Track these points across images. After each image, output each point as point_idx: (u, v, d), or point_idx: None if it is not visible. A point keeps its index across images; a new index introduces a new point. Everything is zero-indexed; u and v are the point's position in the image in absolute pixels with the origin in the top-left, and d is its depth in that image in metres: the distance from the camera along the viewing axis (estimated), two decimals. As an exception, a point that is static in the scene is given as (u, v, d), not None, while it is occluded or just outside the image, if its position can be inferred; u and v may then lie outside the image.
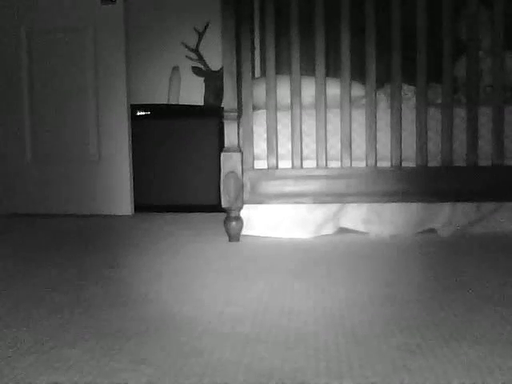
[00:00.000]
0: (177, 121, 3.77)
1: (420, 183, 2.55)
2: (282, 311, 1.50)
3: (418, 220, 2.69)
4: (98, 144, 3.66)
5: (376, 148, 2.56)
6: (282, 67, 3.52)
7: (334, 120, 2.64)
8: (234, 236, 2.59)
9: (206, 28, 4.02)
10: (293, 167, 2.58)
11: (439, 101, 2.74)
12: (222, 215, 2.68)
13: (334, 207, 2.69)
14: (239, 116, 2.59)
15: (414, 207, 2.67)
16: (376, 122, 2.56)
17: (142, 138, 3.75)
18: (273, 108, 2.58)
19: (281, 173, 2.58)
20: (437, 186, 2.55)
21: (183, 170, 3.75)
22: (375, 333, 1.31)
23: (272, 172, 2.58)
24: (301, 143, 2.57)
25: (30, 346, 1.26)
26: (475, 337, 1.27)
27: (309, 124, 2.64)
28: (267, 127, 2.58)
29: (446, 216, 2.68)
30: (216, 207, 3.19)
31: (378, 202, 2.60)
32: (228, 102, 2.57)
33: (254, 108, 2.65)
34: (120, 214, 3.63)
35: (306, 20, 2.80)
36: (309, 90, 2.68)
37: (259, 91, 2.69)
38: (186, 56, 4.07)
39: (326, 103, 2.56)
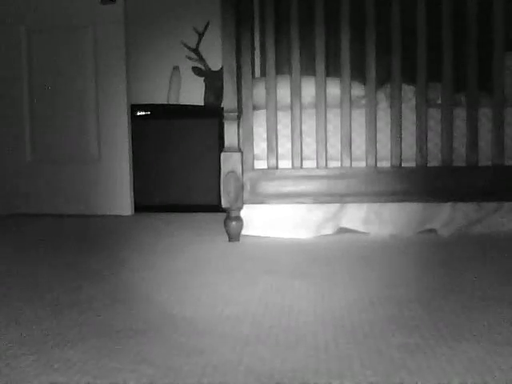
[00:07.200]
0: (177, 121, 3.77)
1: (420, 183, 2.55)
2: (281, 311, 1.50)
3: (418, 220, 2.69)
4: (98, 144, 3.66)
5: (376, 148, 2.56)
6: (282, 67, 3.52)
7: (334, 120, 2.64)
8: (233, 236, 2.59)
9: (205, 28, 4.02)
10: (293, 167, 2.58)
11: (439, 101, 2.74)
12: (222, 215, 2.68)
13: (333, 207, 2.68)
14: (239, 116, 2.59)
15: (413, 207, 2.67)
16: (376, 122, 2.56)
17: (142, 138, 3.75)
18: (273, 108, 2.58)
19: (281, 173, 2.58)
20: (437, 186, 2.55)
21: (183, 170, 3.75)
22: (375, 333, 1.31)
23: (272, 172, 2.58)
24: (301, 143, 2.57)
25: (30, 346, 1.26)
26: (475, 337, 1.27)
27: (309, 124, 2.64)
28: (267, 127, 2.58)
29: (446, 216, 2.68)
30: (216, 207, 3.19)
31: (378, 202, 2.60)
32: (228, 102, 2.57)
33: (254, 108, 2.64)
34: (120, 214, 3.63)
35: (306, 20, 2.79)
36: (309, 89, 2.69)
37: (259, 91, 2.69)
38: (186, 56, 4.07)
39: (325, 103, 2.57)
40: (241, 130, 2.60)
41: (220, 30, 2.65)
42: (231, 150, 2.57)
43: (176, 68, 4.12)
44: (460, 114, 2.61)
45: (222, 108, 2.64)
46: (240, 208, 2.59)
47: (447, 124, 2.55)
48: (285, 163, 2.62)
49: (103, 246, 2.59)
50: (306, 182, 2.56)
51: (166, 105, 3.99)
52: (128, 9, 3.66)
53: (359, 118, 2.64)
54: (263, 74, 3.84)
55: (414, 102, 2.72)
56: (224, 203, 2.57)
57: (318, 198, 2.57)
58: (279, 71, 3.01)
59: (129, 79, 3.67)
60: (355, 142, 2.63)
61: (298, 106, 2.56)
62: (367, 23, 2.53)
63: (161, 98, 4.13)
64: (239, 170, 2.55)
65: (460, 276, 1.87)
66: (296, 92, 2.56)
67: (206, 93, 3.99)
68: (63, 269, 2.07)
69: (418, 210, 2.68)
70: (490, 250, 2.32)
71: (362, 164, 2.60)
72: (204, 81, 4.01)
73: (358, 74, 2.80)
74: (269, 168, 2.59)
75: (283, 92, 2.64)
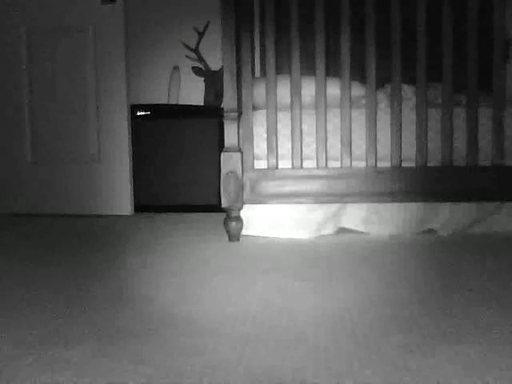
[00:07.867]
0: (177, 121, 3.77)
1: (420, 183, 2.55)
2: (281, 311, 1.50)
3: (418, 220, 2.69)
4: (98, 144, 3.66)
5: (376, 148, 2.56)
6: (282, 67, 3.52)
7: (334, 120, 2.64)
8: (233, 236, 2.59)
9: (205, 28, 4.02)
10: (293, 167, 2.58)
11: (439, 101, 2.74)
12: (222, 215, 2.68)
13: (333, 207, 2.68)
14: (239, 116, 2.59)
15: (414, 207, 2.67)
16: (376, 122, 2.56)
17: (141, 138, 3.75)
18: (273, 108, 2.58)
19: (281, 173, 2.58)
20: (437, 186, 2.55)
21: (183, 170, 3.75)
22: (375, 333, 1.31)
23: (272, 172, 2.58)
24: (301, 143, 2.57)
25: (30, 346, 1.26)
26: (475, 337, 1.27)
27: (309, 124, 2.64)
28: (267, 127, 2.58)
29: (446, 216, 2.68)
30: (216, 207, 3.19)
31: (378, 202, 2.60)
32: (228, 102, 2.57)
33: (254, 108, 2.64)
34: (120, 214, 3.63)
35: (306, 20, 2.80)
36: (309, 89, 2.68)
37: (259, 91, 2.69)
38: (186, 56, 4.07)
39: (326, 103, 2.56)
40: (241, 130, 2.60)
41: (220, 30, 2.65)
42: (231, 150, 2.57)
43: (176, 68, 4.12)
44: (460, 114, 2.61)
45: (222, 108, 2.63)
46: (240, 208, 2.59)
47: (447, 124, 2.55)
48: (285, 163, 2.62)
49: (103, 246, 2.59)
50: (306, 182, 2.56)
51: (166, 105, 3.99)
52: (128, 9, 3.66)
53: (359, 117, 2.64)
54: (263, 74, 3.84)
55: (413, 101, 2.72)
56: (224, 203, 2.58)
57: (318, 197, 2.57)
58: (279, 71, 3.01)
59: (129, 79, 3.67)
60: (355, 142, 2.63)
61: (298, 105, 2.56)
62: (367, 23, 2.53)
63: (161, 98, 4.13)
64: (239, 170, 2.55)
65: (460, 276, 1.87)
66: (296, 92, 2.56)
67: (205, 93, 3.99)
68: (63, 269, 2.07)
69: (418, 210, 2.68)
70: (489, 250, 2.32)
71: (362, 164, 2.60)
72: (204, 81, 4.01)
73: (358, 73, 2.80)
74: (269, 168, 2.59)
75: (283, 92, 2.64)
